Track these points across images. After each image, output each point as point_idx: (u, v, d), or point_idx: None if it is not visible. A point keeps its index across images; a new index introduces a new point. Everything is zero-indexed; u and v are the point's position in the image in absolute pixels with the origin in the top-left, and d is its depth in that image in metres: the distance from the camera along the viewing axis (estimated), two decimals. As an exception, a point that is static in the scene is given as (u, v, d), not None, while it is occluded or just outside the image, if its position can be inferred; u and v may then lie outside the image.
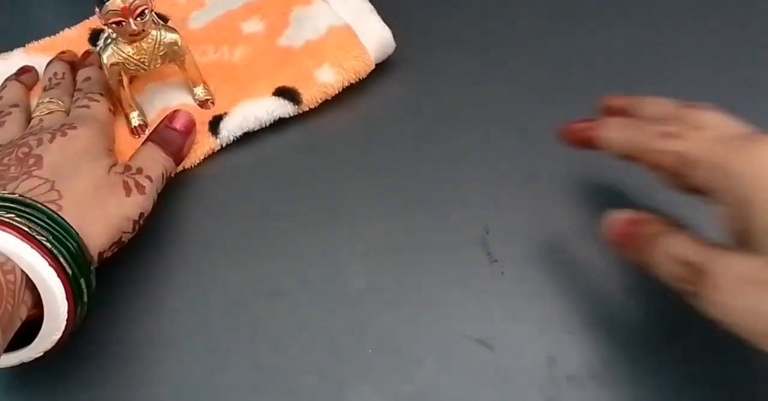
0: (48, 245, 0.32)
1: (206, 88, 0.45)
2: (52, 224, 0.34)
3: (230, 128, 0.43)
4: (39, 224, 0.33)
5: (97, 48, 0.47)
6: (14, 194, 0.34)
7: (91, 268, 0.34)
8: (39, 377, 0.36)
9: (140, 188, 0.38)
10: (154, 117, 0.44)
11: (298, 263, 0.39)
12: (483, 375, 0.35)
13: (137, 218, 0.38)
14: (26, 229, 0.32)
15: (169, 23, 0.49)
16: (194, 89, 0.45)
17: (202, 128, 0.43)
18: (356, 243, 0.40)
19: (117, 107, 0.44)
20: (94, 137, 0.39)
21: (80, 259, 0.34)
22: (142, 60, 0.42)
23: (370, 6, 0.46)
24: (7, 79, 0.46)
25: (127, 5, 0.39)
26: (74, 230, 0.34)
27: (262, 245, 0.40)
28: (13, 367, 0.33)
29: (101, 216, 0.36)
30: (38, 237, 0.32)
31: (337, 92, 0.44)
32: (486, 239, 0.40)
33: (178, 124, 0.42)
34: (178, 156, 0.42)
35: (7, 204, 0.33)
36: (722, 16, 0.48)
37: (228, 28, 0.47)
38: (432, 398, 0.35)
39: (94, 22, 0.49)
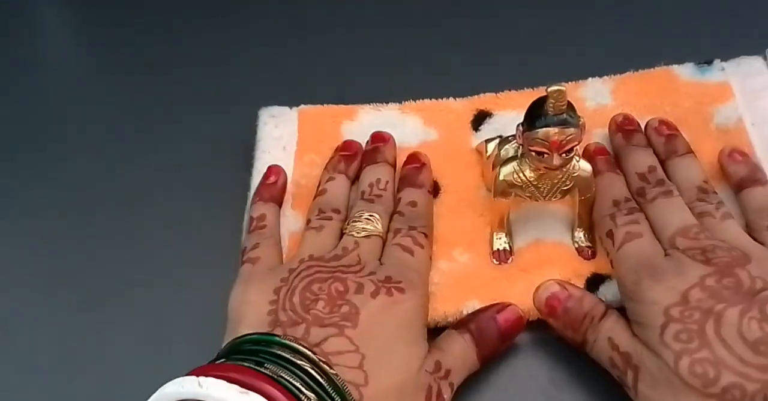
0: None
1: (592, 234, 0.38)
2: None
3: (609, 298, 0.36)
4: None
5: (480, 140, 0.41)
6: (328, 366, 0.28)
7: None
8: None
9: (440, 400, 0.31)
10: (522, 246, 0.38)
11: None
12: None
13: None
14: None
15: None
16: (577, 230, 0.38)
17: (578, 280, 0.36)
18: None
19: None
20: (418, 311, 0.34)
21: None
22: (541, 190, 0.36)
23: None
24: (330, 166, 0.41)
25: (561, 140, 0.33)
26: None
27: None
28: None
29: None
30: None
31: None
32: None
33: (502, 319, 0.34)
34: (484, 360, 0.34)
35: (315, 375, 0.28)
36: None
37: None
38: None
39: (483, 100, 0.44)
